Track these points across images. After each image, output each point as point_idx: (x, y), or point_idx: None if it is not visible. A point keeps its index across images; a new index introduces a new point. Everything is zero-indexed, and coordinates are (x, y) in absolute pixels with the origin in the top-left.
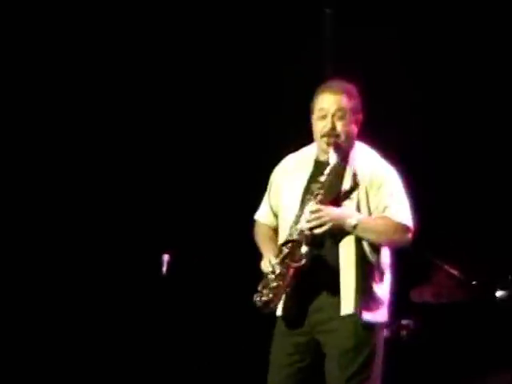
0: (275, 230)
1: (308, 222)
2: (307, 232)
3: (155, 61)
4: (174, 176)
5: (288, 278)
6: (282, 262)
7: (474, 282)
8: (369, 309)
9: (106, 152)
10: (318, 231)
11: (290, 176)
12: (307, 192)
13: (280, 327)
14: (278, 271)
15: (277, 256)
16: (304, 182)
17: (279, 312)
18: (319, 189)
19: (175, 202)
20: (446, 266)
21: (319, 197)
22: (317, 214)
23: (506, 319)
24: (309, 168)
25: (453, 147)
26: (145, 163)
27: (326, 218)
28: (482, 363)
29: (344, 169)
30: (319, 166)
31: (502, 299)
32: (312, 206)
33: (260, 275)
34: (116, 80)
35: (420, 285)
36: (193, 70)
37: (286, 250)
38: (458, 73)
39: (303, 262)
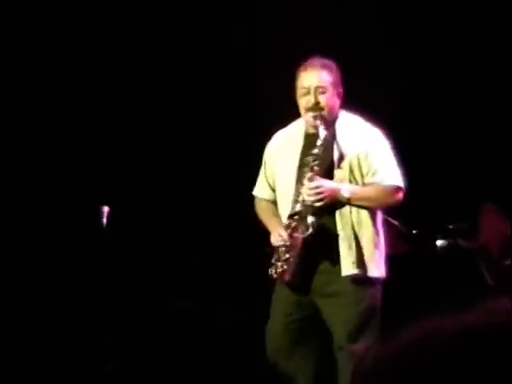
0: (275, 203)
1: (309, 195)
2: (310, 204)
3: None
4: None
5: (298, 249)
6: (291, 234)
7: (414, 232)
8: (368, 267)
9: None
10: (318, 204)
11: (282, 151)
12: (302, 165)
13: (279, 291)
14: (288, 243)
15: (285, 229)
16: (297, 156)
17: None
18: (314, 161)
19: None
20: (387, 217)
21: (315, 169)
22: (317, 190)
23: (446, 268)
24: (299, 142)
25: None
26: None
27: (326, 193)
28: (423, 313)
29: (333, 140)
30: (309, 138)
31: (442, 248)
32: (311, 179)
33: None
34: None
35: None
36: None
37: (293, 223)
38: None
39: (310, 231)
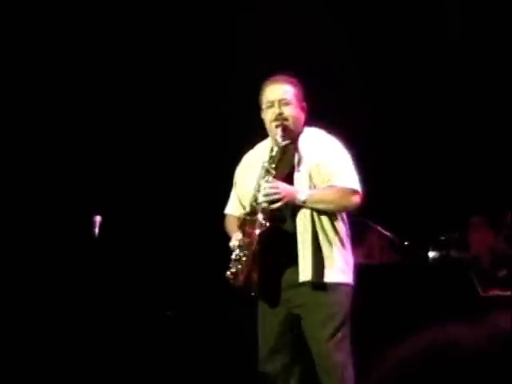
0: None
1: (265, 195)
2: (264, 204)
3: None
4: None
5: (252, 248)
6: (244, 232)
7: (406, 243)
8: (329, 273)
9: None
10: (273, 206)
11: (250, 168)
12: (261, 170)
13: (262, 311)
14: (242, 243)
15: (239, 227)
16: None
17: (255, 292)
18: (270, 164)
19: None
20: (379, 227)
21: (271, 171)
22: (272, 191)
23: (438, 279)
24: (265, 157)
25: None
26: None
27: (281, 195)
28: (413, 324)
29: (295, 148)
30: (272, 150)
31: (434, 259)
32: (268, 181)
33: None
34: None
35: (351, 245)
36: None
37: (247, 219)
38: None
39: (262, 228)
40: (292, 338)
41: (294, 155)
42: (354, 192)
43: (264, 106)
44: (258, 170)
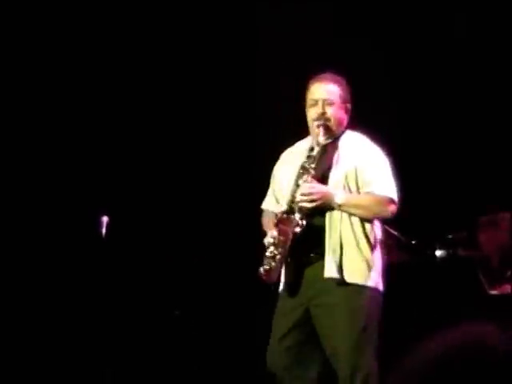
0: None
1: (302, 195)
2: (302, 204)
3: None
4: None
5: (287, 246)
6: (280, 231)
7: (413, 242)
8: (356, 273)
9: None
10: (309, 205)
11: (287, 165)
12: (300, 168)
13: (280, 305)
14: (277, 241)
15: (275, 225)
16: (299, 164)
17: (281, 288)
18: (310, 163)
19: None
20: (385, 226)
21: (311, 171)
22: (309, 191)
23: (445, 278)
24: (304, 154)
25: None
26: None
27: (317, 196)
28: (421, 323)
29: (334, 148)
30: (311, 150)
31: (441, 258)
32: (306, 181)
33: None
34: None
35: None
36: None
37: (284, 220)
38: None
39: (300, 225)
40: (305, 339)
41: (332, 156)
42: (391, 201)
43: (308, 104)
44: (296, 168)
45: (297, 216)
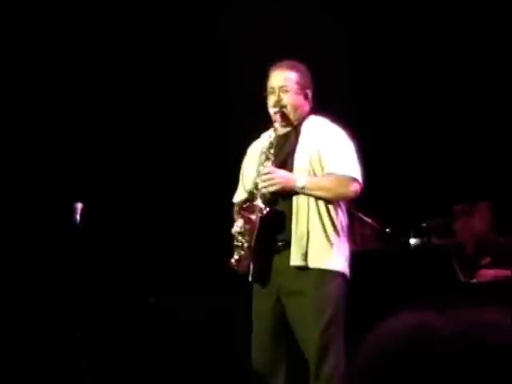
0: None
1: (262, 181)
2: (263, 190)
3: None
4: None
5: (253, 234)
6: (245, 219)
7: (387, 230)
8: (321, 260)
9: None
10: (269, 190)
11: (253, 157)
12: (261, 156)
13: (255, 293)
14: (243, 229)
15: (238, 213)
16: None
17: (250, 277)
18: (269, 149)
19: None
20: (360, 214)
21: (271, 157)
22: (269, 176)
23: (419, 266)
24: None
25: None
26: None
27: (277, 180)
28: (395, 312)
29: (296, 134)
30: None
31: (415, 246)
32: (265, 167)
33: None
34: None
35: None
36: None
37: (246, 205)
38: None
39: (262, 214)
40: (281, 329)
41: (295, 142)
42: (353, 180)
43: (267, 92)
44: (258, 155)
45: (259, 202)
